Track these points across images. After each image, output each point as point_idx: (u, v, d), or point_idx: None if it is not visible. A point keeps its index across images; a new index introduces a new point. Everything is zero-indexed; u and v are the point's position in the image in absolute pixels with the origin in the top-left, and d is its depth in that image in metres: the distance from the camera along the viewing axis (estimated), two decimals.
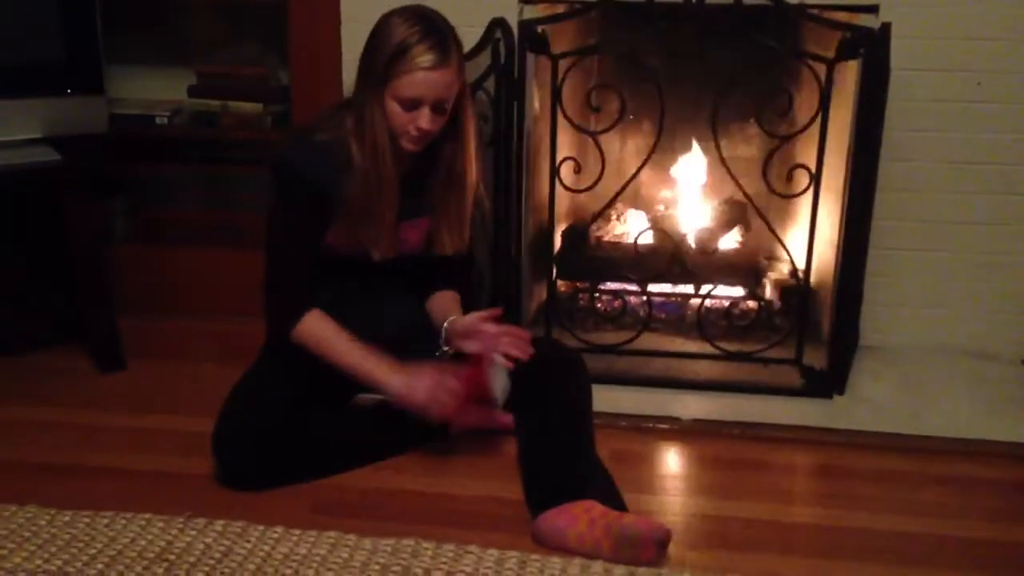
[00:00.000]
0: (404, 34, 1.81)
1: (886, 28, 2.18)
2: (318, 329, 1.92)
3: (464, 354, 1.97)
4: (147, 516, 1.76)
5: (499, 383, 1.92)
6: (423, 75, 1.82)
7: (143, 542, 1.69)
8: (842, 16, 2.29)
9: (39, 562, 1.63)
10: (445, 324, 2.03)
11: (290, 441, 1.91)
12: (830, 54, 2.15)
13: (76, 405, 2.25)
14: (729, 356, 2.36)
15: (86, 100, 2.37)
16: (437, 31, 1.84)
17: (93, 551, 1.66)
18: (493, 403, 1.93)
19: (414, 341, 2.02)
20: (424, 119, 1.85)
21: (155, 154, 2.82)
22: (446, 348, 2.02)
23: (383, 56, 1.82)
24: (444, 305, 2.10)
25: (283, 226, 1.95)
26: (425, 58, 1.81)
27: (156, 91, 2.85)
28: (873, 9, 2.32)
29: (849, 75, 2.23)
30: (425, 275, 2.12)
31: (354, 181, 1.89)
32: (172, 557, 1.65)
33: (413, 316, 2.10)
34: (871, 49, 2.14)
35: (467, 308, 2.12)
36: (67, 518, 1.76)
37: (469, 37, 2.26)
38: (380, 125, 1.86)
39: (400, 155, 1.92)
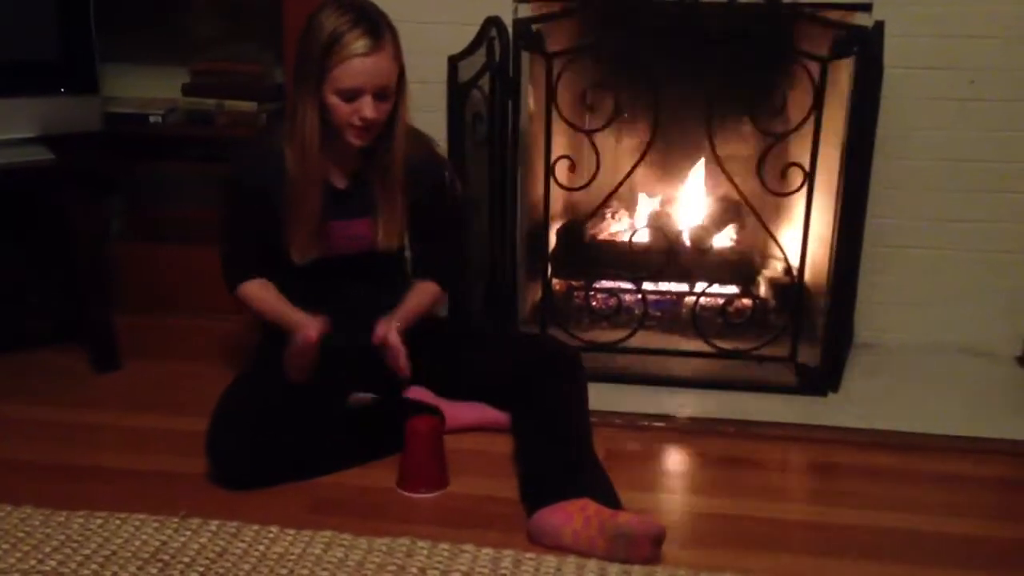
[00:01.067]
0: (334, 24, 1.80)
1: (879, 26, 2.19)
2: (258, 291, 2.03)
3: None
4: (142, 516, 1.76)
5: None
6: (359, 62, 1.80)
7: (138, 542, 1.69)
8: (836, 15, 2.29)
9: (33, 562, 1.63)
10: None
11: (284, 441, 1.91)
12: (824, 52, 2.16)
13: (72, 404, 2.25)
14: (724, 354, 2.37)
15: (80, 99, 2.37)
16: (368, 17, 1.82)
17: (88, 551, 1.66)
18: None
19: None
20: (367, 108, 1.84)
21: (150, 152, 2.82)
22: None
23: (316, 51, 1.81)
24: (408, 296, 2.09)
25: (232, 224, 2.03)
26: (359, 44, 1.79)
27: (151, 89, 2.85)
28: (866, 8, 2.33)
29: (843, 73, 2.24)
30: (391, 270, 2.12)
31: (288, 185, 1.91)
32: (167, 557, 1.65)
33: (379, 313, 2.09)
34: (864, 47, 2.14)
35: (454, 306, 2.12)
36: (62, 518, 1.76)
37: (464, 35, 2.27)
38: (311, 123, 1.86)
39: (346, 153, 1.93)
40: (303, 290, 2.02)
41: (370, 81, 1.83)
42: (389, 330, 1.98)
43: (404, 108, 1.94)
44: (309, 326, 1.93)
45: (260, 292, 2.04)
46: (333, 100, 1.84)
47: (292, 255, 1.96)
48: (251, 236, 2.02)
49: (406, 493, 1.89)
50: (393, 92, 1.88)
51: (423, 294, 2.10)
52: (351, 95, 1.83)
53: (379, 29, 1.83)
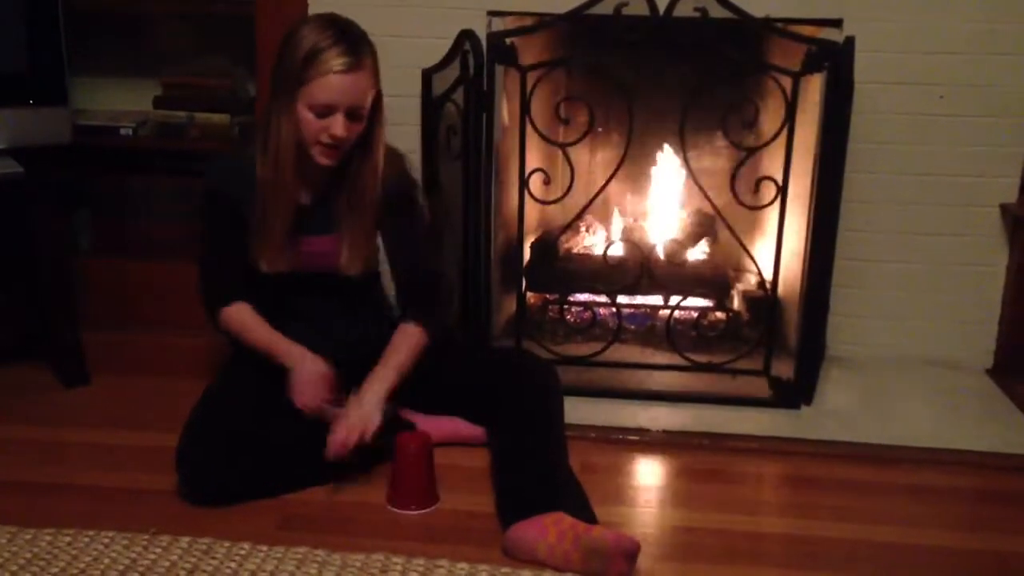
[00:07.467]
0: (316, 39, 1.80)
1: (850, 42, 2.21)
2: (242, 317, 1.99)
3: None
4: (111, 533, 1.74)
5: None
6: (337, 79, 1.80)
7: (107, 560, 1.66)
8: (807, 30, 2.32)
9: None
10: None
11: (255, 455, 1.89)
12: (795, 67, 2.18)
13: (39, 421, 2.22)
14: (698, 367, 2.37)
15: (49, 111, 2.34)
16: (350, 35, 1.83)
17: (56, 570, 1.63)
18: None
19: (356, 355, 2.00)
20: (338, 126, 1.83)
21: (120, 165, 2.79)
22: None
23: (295, 63, 1.81)
24: (390, 348, 1.99)
25: (209, 235, 2.01)
26: (338, 62, 1.79)
27: (122, 102, 2.83)
28: (837, 23, 2.36)
29: (814, 88, 2.26)
30: (365, 292, 2.10)
31: (256, 194, 1.90)
32: (136, 575, 1.62)
33: (352, 334, 2.07)
34: (835, 62, 2.16)
35: (437, 333, 2.05)
36: (29, 536, 1.73)
37: (438, 49, 2.28)
38: (286, 135, 1.85)
39: (313, 170, 1.91)
40: (275, 304, 2.01)
41: (344, 99, 1.82)
42: (373, 414, 1.88)
43: (381, 132, 1.94)
44: (303, 374, 1.91)
45: (243, 318, 1.99)
46: (305, 114, 1.83)
47: (261, 265, 1.95)
48: (228, 250, 1.98)
49: (396, 510, 1.87)
50: (366, 114, 1.88)
51: (407, 349, 1.98)
52: (324, 111, 1.83)
53: (359, 48, 1.83)
